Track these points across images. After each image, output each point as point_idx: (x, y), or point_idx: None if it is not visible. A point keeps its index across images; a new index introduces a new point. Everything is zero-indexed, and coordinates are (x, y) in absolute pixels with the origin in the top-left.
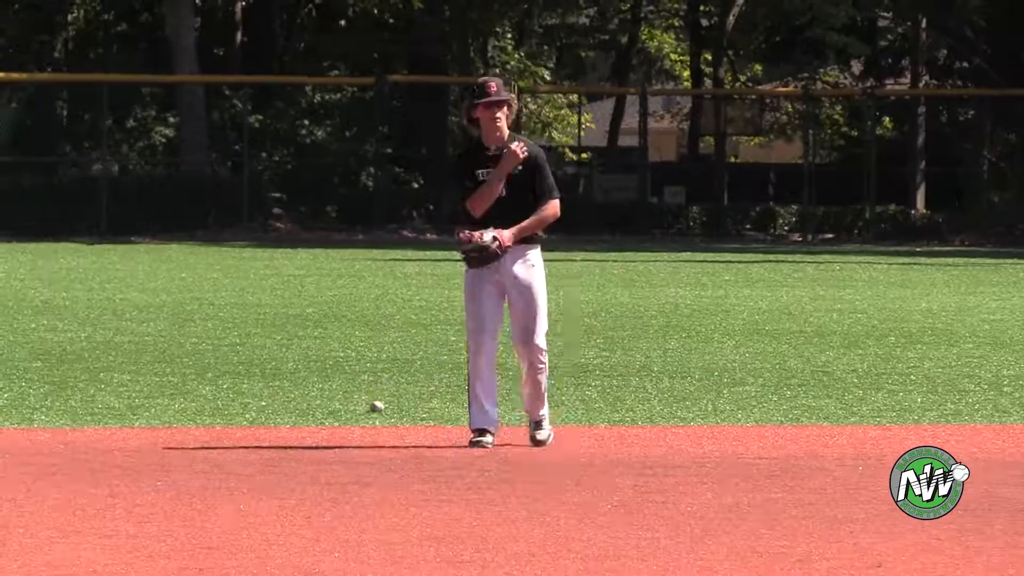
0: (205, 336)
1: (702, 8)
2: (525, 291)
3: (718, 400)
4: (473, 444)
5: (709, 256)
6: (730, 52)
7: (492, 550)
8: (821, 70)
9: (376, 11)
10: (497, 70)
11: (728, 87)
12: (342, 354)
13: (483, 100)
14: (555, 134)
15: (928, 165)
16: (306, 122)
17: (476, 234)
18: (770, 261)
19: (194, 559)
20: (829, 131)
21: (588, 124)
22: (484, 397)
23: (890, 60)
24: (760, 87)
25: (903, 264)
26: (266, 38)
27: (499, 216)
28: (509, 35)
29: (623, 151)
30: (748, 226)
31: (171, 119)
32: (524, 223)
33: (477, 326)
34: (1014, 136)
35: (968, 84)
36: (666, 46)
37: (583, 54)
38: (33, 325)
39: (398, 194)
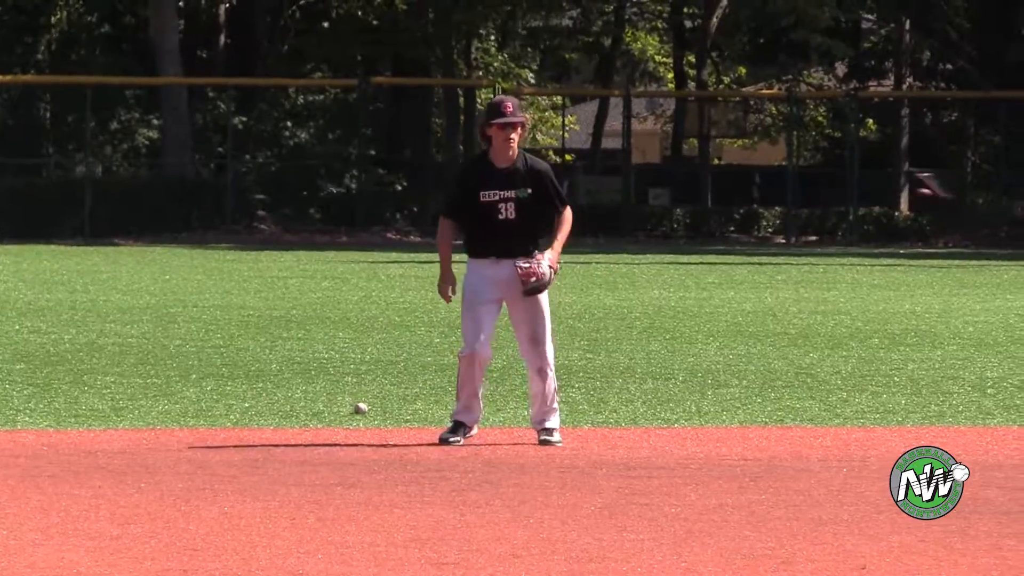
0: (189, 338)
1: (685, 10)
2: (531, 300)
3: (702, 402)
4: (443, 439)
5: (693, 258)
6: (714, 54)
7: (476, 552)
8: (805, 72)
9: (360, 13)
10: (480, 72)
11: (712, 89)
12: (326, 356)
13: (498, 120)
14: (539, 136)
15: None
16: (290, 124)
17: (535, 269)
18: (754, 263)
19: (178, 560)
20: (813, 133)
21: (572, 126)
22: (472, 398)
23: (873, 62)
24: (744, 89)
25: (887, 266)
26: (250, 40)
27: (511, 237)
28: (493, 37)
29: (607, 153)
30: (732, 228)
31: (155, 121)
32: (559, 242)
33: (474, 334)
34: (998, 138)
35: (952, 86)
36: (650, 48)
37: (567, 56)
38: (16, 327)
39: (382, 196)
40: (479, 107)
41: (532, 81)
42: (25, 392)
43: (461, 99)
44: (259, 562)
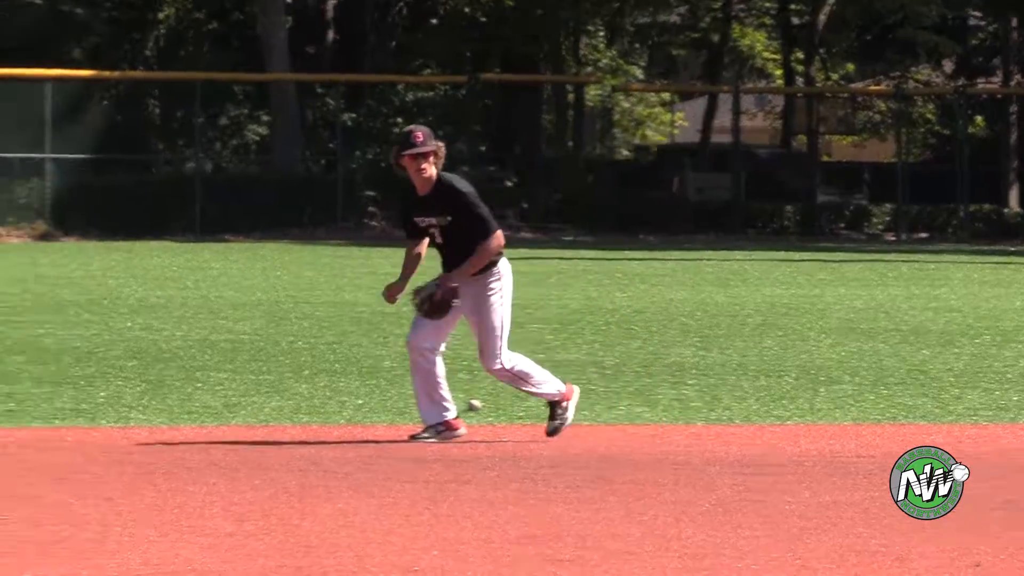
0: (301, 334)
1: (793, 6)
2: (477, 315)
3: (815, 399)
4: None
5: (803, 255)
6: (821, 50)
7: (590, 548)
8: (913, 69)
9: (468, 9)
10: (589, 68)
11: (820, 85)
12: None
13: (408, 152)
14: (648, 132)
15: (1021, 164)
16: (399, 120)
17: (420, 293)
18: (864, 260)
19: (292, 558)
20: (922, 130)
21: (681, 122)
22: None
23: (981, 59)
24: (852, 85)
25: (997, 263)
26: (358, 36)
27: (450, 256)
28: (601, 33)
29: (716, 149)
30: (842, 225)
31: (264, 117)
32: (464, 267)
33: (413, 330)
34: None
35: None
36: (758, 44)
37: (675, 52)
38: (128, 324)
39: (491, 192)
40: (588, 103)
41: (640, 77)
42: (138, 389)
43: (570, 95)
44: (373, 559)
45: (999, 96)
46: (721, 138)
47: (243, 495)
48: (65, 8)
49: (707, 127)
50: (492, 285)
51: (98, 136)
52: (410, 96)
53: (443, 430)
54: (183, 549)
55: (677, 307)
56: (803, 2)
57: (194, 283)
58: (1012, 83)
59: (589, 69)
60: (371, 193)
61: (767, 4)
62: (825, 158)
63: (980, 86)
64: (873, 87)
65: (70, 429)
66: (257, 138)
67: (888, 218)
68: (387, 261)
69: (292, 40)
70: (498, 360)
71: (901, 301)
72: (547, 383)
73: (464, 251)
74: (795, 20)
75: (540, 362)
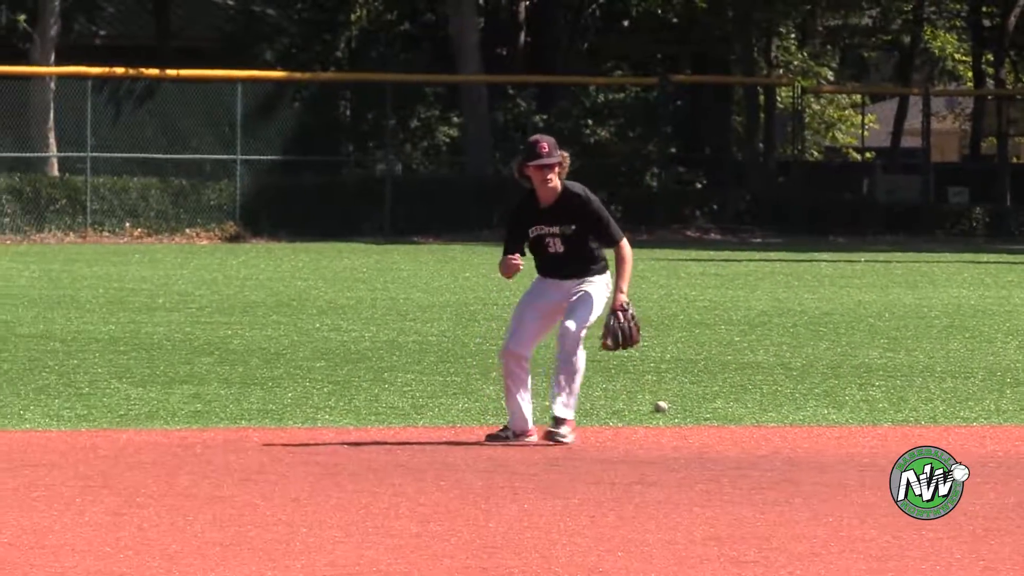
0: (489, 336)
1: (984, 8)
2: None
3: (1001, 400)
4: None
5: (992, 257)
6: (1012, 52)
7: (775, 550)
8: None
9: (659, 11)
10: (781, 70)
11: (1010, 87)
12: (626, 354)
13: (534, 163)
14: (838, 135)
15: None
16: (590, 122)
17: (611, 338)
18: None
19: (478, 559)
20: None
21: (871, 124)
22: (510, 402)
23: None
24: None
25: None
26: (549, 38)
27: (563, 266)
28: (792, 35)
29: (906, 152)
30: None
31: (455, 119)
32: (621, 284)
33: (509, 333)
34: None
35: None
36: (948, 46)
37: (866, 54)
38: (317, 325)
39: (681, 194)
40: (779, 105)
41: (831, 79)
42: (325, 390)
43: (761, 97)
44: (559, 560)
45: None
46: (911, 141)
47: (429, 496)
48: (257, 9)
49: (898, 129)
50: (597, 279)
51: (289, 138)
52: (601, 97)
53: (519, 434)
54: (368, 550)
55: (865, 308)
56: (994, 4)
57: (383, 284)
58: None
59: (780, 71)
60: None
61: (958, 6)
62: (1014, 160)
63: None
64: None
65: (257, 430)
66: (448, 140)
67: None
68: None
69: (483, 42)
70: (582, 331)
71: None
72: (575, 397)
73: (582, 258)
74: (986, 22)
75: (727, 363)
